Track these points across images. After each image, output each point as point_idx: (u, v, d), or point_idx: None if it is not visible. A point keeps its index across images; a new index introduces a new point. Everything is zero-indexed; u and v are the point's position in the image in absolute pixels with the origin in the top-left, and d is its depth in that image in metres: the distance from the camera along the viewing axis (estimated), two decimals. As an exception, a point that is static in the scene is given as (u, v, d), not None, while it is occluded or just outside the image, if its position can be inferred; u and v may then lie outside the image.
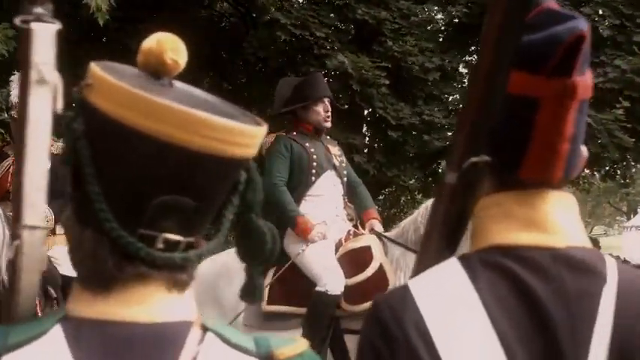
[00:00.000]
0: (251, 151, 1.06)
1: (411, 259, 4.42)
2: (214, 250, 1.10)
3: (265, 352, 1.07)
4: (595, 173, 15.24)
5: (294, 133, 5.20)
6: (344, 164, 5.32)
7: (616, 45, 10.73)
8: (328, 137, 5.48)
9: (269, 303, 4.88)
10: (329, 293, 4.58)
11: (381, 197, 13.93)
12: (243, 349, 1.05)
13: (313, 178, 5.08)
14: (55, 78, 1.06)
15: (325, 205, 5.08)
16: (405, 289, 1.14)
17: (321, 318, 4.58)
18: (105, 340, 0.99)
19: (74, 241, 1.04)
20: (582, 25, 1.07)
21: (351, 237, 5.01)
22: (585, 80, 1.11)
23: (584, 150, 1.20)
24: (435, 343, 1.07)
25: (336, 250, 4.93)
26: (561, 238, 1.14)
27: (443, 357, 1.06)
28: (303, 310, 4.76)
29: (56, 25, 1.07)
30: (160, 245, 1.01)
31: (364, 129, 12.31)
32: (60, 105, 1.05)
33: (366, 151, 10.86)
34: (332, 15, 10.76)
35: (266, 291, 4.89)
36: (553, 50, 1.06)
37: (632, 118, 9.98)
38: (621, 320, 1.09)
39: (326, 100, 5.17)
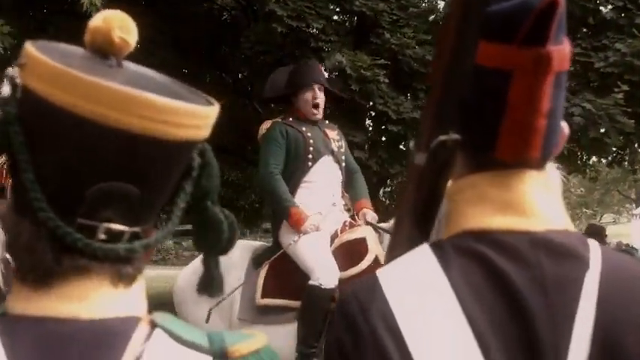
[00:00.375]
0: (201, 133, 0.99)
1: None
2: (163, 240, 1.02)
3: (219, 348, 1.00)
4: (602, 160, 15.13)
5: (290, 119, 5.05)
6: (342, 149, 5.16)
7: (618, 28, 10.60)
8: (327, 122, 5.32)
9: (263, 296, 4.78)
10: (322, 287, 4.47)
11: (383, 191, 13.86)
12: (194, 346, 0.98)
13: (310, 163, 4.93)
14: None
15: (322, 192, 4.95)
16: (374, 279, 1.07)
17: (315, 312, 4.49)
18: (42, 338, 0.92)
19: (11, 233, 0.97)
20: None
21: (347, 228, 4.88)
22: (561, 50, 1.03)
23: (564, 126, 1.12)
24: (403, 335, 0.99)
25: (332, 241, 4.81)
26: (540, 221, 1.06)
27: (411, 349, 0.98)
28: (298, 304, 4.64)
29: None
30: (102, 236, 0.94)
31: (367, 124, 12.22)
32: None
33: (366, 147, 10.75)
34: (329, 7, 10.65)
35: (260, 284, 4.80)
36: (524, 17, 0.98)
37: (633, 102, 9.83)
38: (605, 308, 1.01)
39: (316, 87, 5.00)
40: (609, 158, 13.14)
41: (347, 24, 11.43)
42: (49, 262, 0.93)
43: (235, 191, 17.46)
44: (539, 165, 1.09)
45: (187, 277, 5.07)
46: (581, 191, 38.61)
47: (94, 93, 0.89)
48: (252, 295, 4.80)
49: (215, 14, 13.12)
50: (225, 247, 1.09)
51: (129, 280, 0.98)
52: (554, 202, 1.10)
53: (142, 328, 0.97)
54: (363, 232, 4.80)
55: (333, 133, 5.16)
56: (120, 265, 0.97)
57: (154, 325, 0.98)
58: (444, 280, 1.02)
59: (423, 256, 1.06)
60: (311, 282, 4.51)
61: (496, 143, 1.05)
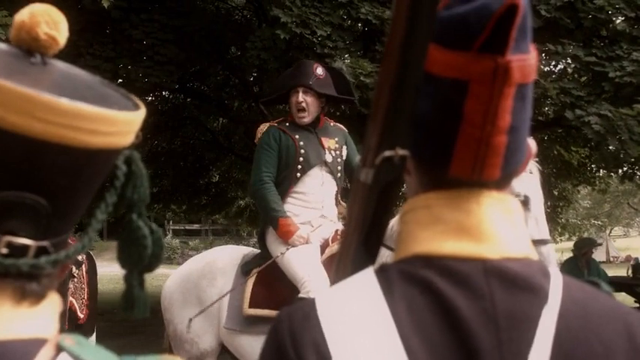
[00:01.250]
0: (122, 140, 0.90)
1: (388, 255, 4.12)
2: (74, 254, 0.93)
3: None
4: (612, 174, 14.97)
5: (287, 123, 4.87)
6: (340, 159, 4.94)
7: (632, 39, 10.47)
8: (332, 124, 5.06)
9: (251, 306, 4.66)
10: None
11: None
12: None
13: (299, 174, 4.78)
14: None
15: (311, 204, 4.82)
16: (310, 305, 0.97)
17: None
18: None
19: None
20: None
21: (338, 237, 4.71)
22: (524, 60, 0.92)
23: (531, 143, 1.02)
24: None
25: (322, 251, 4.68)
26: (496, 247, 0.96)
27: None
28: None
29: None
30: (3, 250, 0.85)
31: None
32: None
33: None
34: (335, 14, 10.55)
35: (248, 293, 4.69)
36: (481, 23, 0.88)
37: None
38: (562, 348, 0.91)
39: (300, 90, 4.77)
40: (620, 172, 12.99)
41: (352, 31, 11.32)
42: None
43: (239, 189, 17.44)
44: (500, 185, 1.00)
45: (174, 282, 5.00)
46: (589, 204, 38.32)
47: None
48: (240, 304, 4.69)
49: (223, 13, 13.07)
50: (150, 265, 1.00)
51: (34, 298, 0.90)
52: (515, 227, 1.00)
53: (47, 351, 0.88)
54: None
55: (332, 142, 4.93)
56: (24, 282, 0.88)
57: (60, 348, 0.89)
58: (386, 311, 0.92)
59: (366, 282, 0.96)
60: (301, 295, 4.38)
61: (451, 160, 0.95)
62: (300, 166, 4.77)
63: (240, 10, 14.40)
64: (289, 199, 4.80)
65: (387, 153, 0.91)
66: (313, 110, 4.82)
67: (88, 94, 0.89)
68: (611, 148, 9.49)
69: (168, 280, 5.14)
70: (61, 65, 0.95)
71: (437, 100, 0.94)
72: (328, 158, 4.86)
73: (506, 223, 0.98)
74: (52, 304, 0.93)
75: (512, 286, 0.94)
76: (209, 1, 12.47)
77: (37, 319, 0.90)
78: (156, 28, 9.87)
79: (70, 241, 0.95)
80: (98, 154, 0.88)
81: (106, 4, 7.39)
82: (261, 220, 5.05)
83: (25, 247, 0.87)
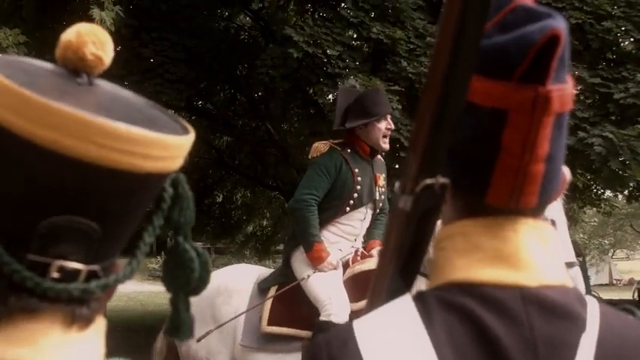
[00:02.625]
0: (172, 164, 0.91)
1: (420, 282, 4.13)
2: (124, 279, 0.94)
3: None
4: (618, 195, 14.96)
5: (349, 150, 4.81)
6: (383, 196, 4.99)
7: (638, 60, 10.54)
8: (380, 158, 5.06)
9: (269, 324, 4.65)
10: (334, 323, 4.31)
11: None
12: None
13: (348, 209, 4.78)
14: None
15: (348, 236, 4.85)
16: (349, 330, 0.98)
17: None
18: None
19: None
20: (558, 24, 0.90)
21: (358, 258, 4.77)
22: (563, 90, 0.94)
23: (566, 172, 1.04)
24: None
25: (344, 271, 4.70)
26: (533, 275, 0.97)
27: None
28: (305, 333, 4.51)
29: None
30: (54, 274, 0.86)
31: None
32: None
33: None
34: (346, 33, 10.63)
35: (267, 311, 4.69)
36: (522, 53, 0.90)
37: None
38: None
39: (389, 118, 4.79)
40: (626, 193, 13.00)
41: (364, 50, 11.39)
42: None
43: (245, 212, 17.41)
44: (535, 213, 1.01)
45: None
46: (595, 222, 38.26)
47: (47, 116, 0.80)
48: (258, 321, 4.68)
49: (232, 32, 13.16)
50: (196, 288, 1.00)
51: (84, 322, 0.90)
52: (550, 254, 1.01)
53: None
54: (375, 263, 4.67)
55: (381, 178, 4.96)
56: (74, 307, 0.88)
57: None
58: (425, 337, 0.93)
59: (404, 308, 0.97)
60: (322, 318, 4.39)
61: (489, 188, 0.97)
62: (352, 202, 4.78)
63: (247, 29, 14.50)
64: (330, 227, 4.81)
65: (428, 181, 0.92)
66: None
67: (138, 116, 0.89)
68: (614, 168, 9.53)
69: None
70: (106, 85, 0.95)
71: (476, 128, 0.95)
72: (377, 196, 4.90)
73: (542, 251, 1.00)
74: (99, 328, 0.94)
75: (551, 314, 0.95)
76: (217, 20, 12.56)
77: (86, 343, 0.90)
78: (166, 46, 9.95)
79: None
80: (149, 178, 0.88)
81: (112, 28, 7.45)
82: (288, 239, 5.04)
83: (76, 272, 0.87)
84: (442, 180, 0.93)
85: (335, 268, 4.62)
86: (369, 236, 5.02)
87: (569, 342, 0.94)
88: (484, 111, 0.94)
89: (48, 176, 0.83)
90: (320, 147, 4.84)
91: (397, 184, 0.97)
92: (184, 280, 1.00)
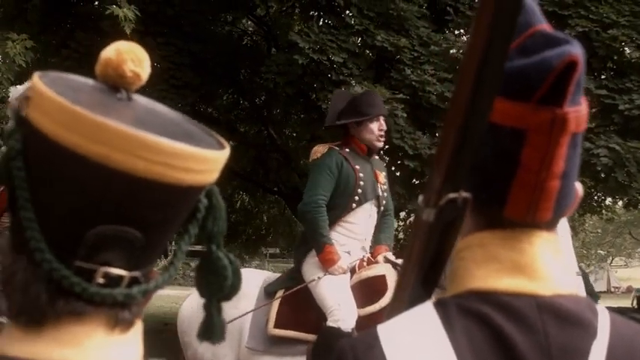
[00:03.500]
0: (208, 177, 0.96)
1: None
2: (163, 285, 1.00)
3: None
4: (617, 200, 15.02)
5: (347, 150, 4.93)
6: (386, 194, 5.08)
7: (642, 71, 10.66)
8: (377, 158, 5.20)
9: (276, 326, 4.69)
10: (342, 329, 4.38)
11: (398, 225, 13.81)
12: None
13: (354, 205, 4.85)
14: None
15: (356, 235, 4.90)
16: (374, 335, 1.04)
17: (330, 352, 4.41)
18: None
19: (6, 272, 0.95)
20: (575, 50, 0.96)
21: (364, 264, 4.82)
22: (579, 111, 1.00)
23: (578, 187, 1.10)
24: None
25: (350, 276, 4.74)
26: (548, 285, 1.03)
27: None
28: (311, 337, 4.56)
29: None
30: (100, 280, 0.92)
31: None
32: None
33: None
34: (351, 40, 10.69)
35: (274, 313, 4.73)
36: (542, 77, 0.96)
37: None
38: None
39: (382, 119, 4.94)
40: (625, 200, 13.06)
41: (368, 58, 11.45)
42: (42, 304, 0.91)
43: (243, 215, 17.45)
44: (550, 226, 1.07)
45: (193, 305, 5.01)
46: (598, 232, 38.27)
47: (99, 133, 0.86)
48: (264, 324, 4.72)
49: (235, 37, 13.22)
50: (229, 294, 1.06)
51: (125, 325, 0.96)
52: (563, 266, 1.07)
53: None
54: (382, 269, 4.72)
55: (382, 176, 5.05)
56: (117, 310, 0.94)
57: None
58: (447, 342, 0.99)
59: (426, 314, 1.03)
60: (329, 323, 4.43)
61: (506, 202, 1.03)
62: (357, 198, 4.84)
63: (251, 34, 14.55)
64: (337, 228, 4.86)
65: (451, 195, 0.98)
66: None
67: (177, 130, 0.95)
68: (618, 179, 9.59)
69: (185, 302, 5.16)
70: (143, 100, 1.01)
71: (496, 146, 1.01)
72: (380, 192, 4.98)
73: (556, 262, 1.05)
74: (138, 331, 0.99)
75: (564, 322, 1.01)
76: (221, 25, 12.62)
77: (127, 345, 0.96)
78: (172, 51, 10.00)
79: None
80: (189, 190, 0.93)
81: (128, 30, 7.50)
82: (299, 242, 5.07)
83: (120, 278, 0.92)
84: (464, 194, 0.98)
85: (345, 272, 4.66)
86: (375, 241, 5.07)
87: (581, 348, 1.00)
88: (504, 130, 1.00)
89: (97, 188, 0.89)
90: (319, 149, 4.94)
91: (421, 197, 1.02)
92: (217, 287, 1.05)
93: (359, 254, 4.90)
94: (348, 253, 4.84)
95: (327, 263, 4.65)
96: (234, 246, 18.68)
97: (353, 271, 4.79)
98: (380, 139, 4.90)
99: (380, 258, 4.85)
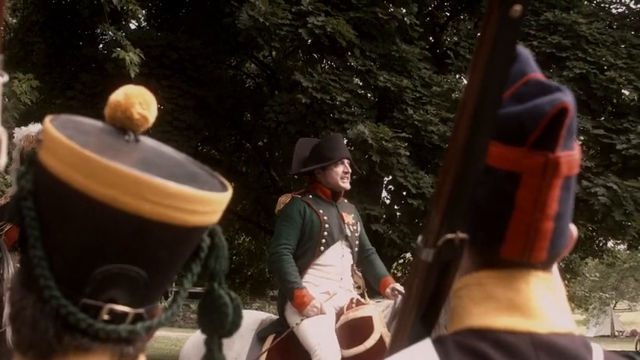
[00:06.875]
0: (211, 219, 1.00)
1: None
2: (166, 321, 1.02)
3: None
4: (619, 245, 15.02)
5: (310, 196, 5.08)
6: (357, 234, 5.17)
7: (639, 112, 10.73)
8: (346, 201, 5.33)
9: None
10: None
11: (397, 263, 13.80)
12: None
13: (322, 248, 4.95)
14: None
15: (331, 275, 4.98)
16: None
17: None
18: None
19: (16, 307, 0.97)
20: (567, 97, 1.00)
21: (353, 306, 4.88)
22: (571, 155, 1.04)
23: (573, 229, 1.13)
24: None
25: (337, 318, 4.81)
26: (543, 323, 1.06)
27: None
28: None
29: (3, 79, 1.00)
30: (105, 316, 0.94)
31: (383, 196, 12.25)
32: (4, 159, 0.99)
33: (383, 217, 10.74)
34: (354, 81, 10.82)
35: (264, 358, 4.79)
36: (535, 122, 1.00)
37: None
38: None
39: (345, 162, 5.07)
40: (627, 242, 13.07)
41: (370, 98, 11.57)
42: (50, 339, 0.93)
43: (247, 257, 17.43)
44: (545, 266, 1.10)
45: (192, 345, 5.06)
46: (596, 276, 38.09)
47: (107, 175, 0.89)
48: None
49: (239, 80, 13.35)
50: (230, 330, 1.08)
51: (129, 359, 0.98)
52: (559, 304, 1.09)
53: None
54: (369, 310, 4.78)
55: (350, 217, 5.16)
56: (122, 346, 0.97)
57: None
58: None
59: (425, 351, 1.05)
60: None
61: (503, 243, 1.06)
62: (324, 240, 4.94)
63: (254, 77, 14.70)
64: (310, 271, 4.95)
65: (449, 235, 1.01)
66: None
67: (181, 172, 0.98)
68: (616, 219, 9.63)
69: (186, 343, 5.23)
70: (149, 142, 1.04)
71: (492, 188, 1.05)
72: (348, 232, 5.06)
73: (551, 301, 1.08)
74: None
75: (559, 358, 1.03)
76: (225, 68, 12.75)
77: None
78: (176, 94, 10.11)
79: None
80: (193, 230, 0.97)
81: (132, 74, 7.61)
82: (279, 290, 5.16)
83: (125, 314, 0.95)
84: (462, 235, 1.01)
85: (322, 311, 4.70)
86: (376, 278, 5.14)
87: None
88: (500, 173, 1.03)
89: (105, 229, 0.92)
90: (282, 199, 5.12)
91: (420, 238, 1.05)
92: (219, 323, 1.07)
93: (342, 294, 4.97)
94: (328, 292, 4.90)
95: (300, 307, 4.73)
96: (239, 289, 18.69)
97: (340, 312, 4.86)
98: (344, 180, 5.04)
99: (388, 290, 4.92)
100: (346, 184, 5.06)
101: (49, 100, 11.97)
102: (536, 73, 1.08)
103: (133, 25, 14.55)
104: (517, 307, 1.06)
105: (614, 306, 44.95)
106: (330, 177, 5.03)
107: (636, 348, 15.11)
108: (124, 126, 1.01)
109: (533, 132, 1.00)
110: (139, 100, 1.01)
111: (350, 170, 5.07)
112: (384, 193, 12.28)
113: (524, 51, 1.10)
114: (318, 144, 5.27)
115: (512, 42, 0.96)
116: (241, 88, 13.30)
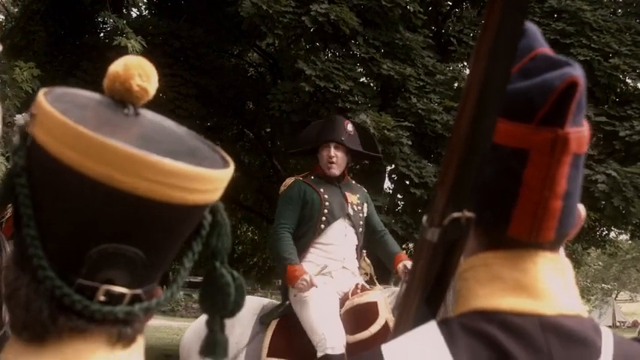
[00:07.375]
0: (211, 197, 0.96)
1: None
2: (165, 302, 1.00)
3: None
4: (622, 235, 15.00)
5: (312, 177, 5.06)
6: (361, 214, 5.10)
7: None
8: (353, 182, 5.30)
9: (269, 355, 4.72)
10: (332, 354, 4.40)
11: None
12: None
13: (323, 225, 4.92)
14: None
15: (333, 255, 4.94)
16: (378, 355, 1.03)
17: None
18: None
19: (9, 287, 0.95)
20: (576, 71, 0.97)
21: (358, 291, 4.83)
22: (580, 132, 1.01)
23: (581, 209, 1.10)
24: None
25: (342, 304, 4.77)
26: (551, 304, 1.03)
27: None
28: None
29: None
30: (101, 297, 0.91)
31: (386, 186, 12.21)
32: None
33: (386, 208, 10.70)
34: (357, 69, 10.77)
35: (267, 342, 4.77)
36: (543, 97, 0.97)
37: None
38: None
39: (332, 145, 4.97)
40: (629, 232, 13.04)
41: (374, 86, 11.51)
42: (44, 320, 0.90)
43: (250, 247, 17.44)
44: (553, 246, 1.07)
45: (193, 332, 5.05)
46: (600, 265, 38.10)
47: (101, 152, 0.86)
48: (259, 352, 4.73)
49: (241, 69, 13.29)
50: (232, 310, 1.05)
51: (127, 341, 0.96)
52: (567, 286, 1.07)
53: None
54: (374, 296, 4.74)
55: (354, 197, 5.11)
56: (119, 327, 0.94)
57: None
58: None
59: (430, 334, 1.03)
60: (319, 354, 4.44)
61: (510, 222, 1.03)
62: (324, 218, 4.92)
63: (256, 66, 14.65)
64: (312, 250, 4.93)
65: (455, 214, 0.98)
66: (342, 164, 5.04)
67: (181, 148, 0.95)
68: (617, 205, 9.62)
69: (187, 330, 5.21)
70: (150, 115, 1.00)
71: (499, 166, 1.02)
72: (351, 211, 5.02)
73: (559, 282, 1.05)
74: (140, 346, 0.99)
75: (567, 341, 1.01)
76: (227, 57, 12.70)
77: None
78: (178, 83, 10.06)
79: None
80: (193, 209, 0.93)
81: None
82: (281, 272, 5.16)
83: (122, 295, 0.92)
84: (468, 214, 0.99)
85: (311, 284, 4.64)
86: (389, 255, 5.09)
87: None
88: (507, 150, 1.00)
89: (100, 207, 0.88)
90: (287, 182, 5.11)
91: (425, 218, 1.03)
92: (221, 304, 1.04)
93: (345, 276, 4.94)
94: (329, 274, 4.87)
95: (291, 281, 4.70)
96: (245, 278, 18.70)
97: (345, 297, 4.82)
98: (329, 165, 4.99)
99: (400, 266, 4.87)
100: (330, 170, 4.99)
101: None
102: (544, 48, 1.05)
103: (134, 14, 14.51)
104: (524, 288, 1.04)
105: (616, 297, 44.92)
106: (321, 160, 5.04)
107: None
108: (122, 98, 0.97)
109: (542, 107, 0.97)
110: (138, 72, 0.97)
111: (336, 154, 4.96)
112: (387, 184, 12.25)
113: (531, 26, 1.07)
114: (316, 124, 5.30)
115: (520, 23, 0.93)
116: (244, 77, 13.25)
